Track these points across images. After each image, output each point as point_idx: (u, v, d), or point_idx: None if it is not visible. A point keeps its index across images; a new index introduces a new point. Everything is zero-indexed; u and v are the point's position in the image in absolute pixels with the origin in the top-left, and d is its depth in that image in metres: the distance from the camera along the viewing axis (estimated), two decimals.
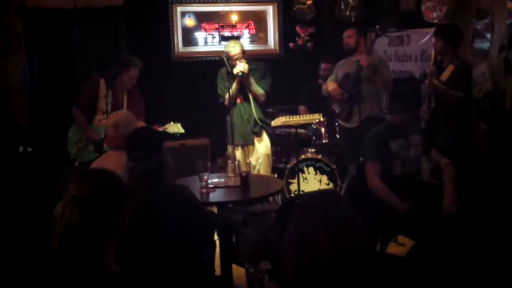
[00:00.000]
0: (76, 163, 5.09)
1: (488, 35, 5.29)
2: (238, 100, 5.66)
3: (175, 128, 4.93)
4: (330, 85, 5.81)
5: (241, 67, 5.43)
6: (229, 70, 5.50)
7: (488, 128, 3.47)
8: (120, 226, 2.01)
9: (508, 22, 4.93)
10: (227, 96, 5.57)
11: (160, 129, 4.81)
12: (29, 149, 5.10)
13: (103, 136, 4.80)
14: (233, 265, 4.11)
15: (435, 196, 3.94)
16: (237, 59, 5.47)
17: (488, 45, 5.31)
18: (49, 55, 6.08)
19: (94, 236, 1.90)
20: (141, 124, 4.65)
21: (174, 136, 4.91)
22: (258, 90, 5.60)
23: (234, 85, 5.53)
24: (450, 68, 4.98)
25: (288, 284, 2.00)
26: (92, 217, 1.90)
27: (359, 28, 5.96)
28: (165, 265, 2.88)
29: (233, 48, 5.49)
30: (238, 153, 5.59)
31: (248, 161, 5.51)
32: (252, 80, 5.56)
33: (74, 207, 1.89)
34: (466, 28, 5.42)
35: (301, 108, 6.53)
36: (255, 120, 5.69)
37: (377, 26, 5.54)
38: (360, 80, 5.56)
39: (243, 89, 5.60)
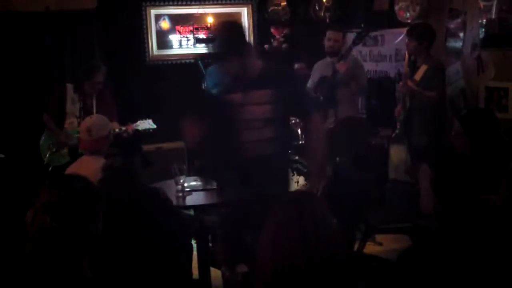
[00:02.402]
0: (50, 168, 5.03)
1: (461, 34, 5.34)
2: None
3: (146, 124, 4.92)
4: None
5: None
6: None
7: (462, 126, 3.48)
8: (92, 231, 1.97)
9: (480, 21, 4.98)
10: None
11: (132, 126, 4.85)
12: (1, 156, 5.04)
13: (76, 138, 4.76)
14: (211, 268, 4.09)
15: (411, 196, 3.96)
16: None
17: (461, 44, 5.36)
18: (21, 59, 5.99)
19: (67, 242, 1.87)
20: (114, 125, 4.64)
21: (148, 132, 4.90)
22: None
23: None
24: (423, 68, 5.02)
25: (264, 287, 1.98)
26: (63, 223, 1.87)
27: (344, 31, 5.63)
28: (141, 269, 2.85)
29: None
30: None
31: None
32: None
33: (44, 213, 1.86)
34: (439, 27, 5.46)
35: None
36: None
37: (355, 33, 5.43)
38: (336, 84, 5.39)
39: None
